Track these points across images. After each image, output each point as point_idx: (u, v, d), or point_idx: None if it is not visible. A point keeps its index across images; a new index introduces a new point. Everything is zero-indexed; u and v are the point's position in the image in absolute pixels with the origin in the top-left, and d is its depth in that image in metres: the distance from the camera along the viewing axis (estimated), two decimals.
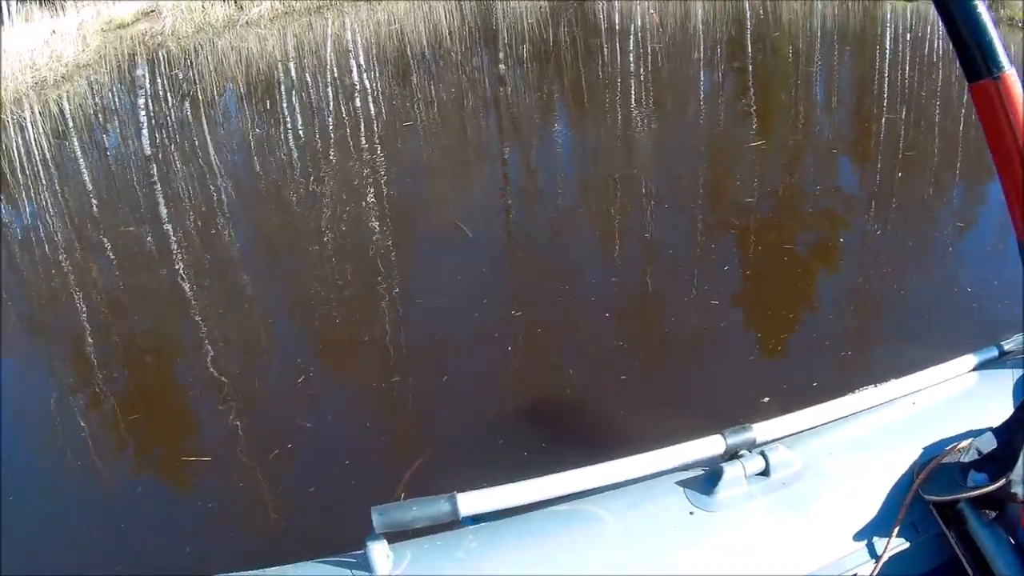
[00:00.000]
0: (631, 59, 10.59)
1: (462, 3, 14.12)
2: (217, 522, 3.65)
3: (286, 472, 3.86)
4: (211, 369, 4.86)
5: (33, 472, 4.19)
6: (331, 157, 8.02)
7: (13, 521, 3.62)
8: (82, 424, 4.54)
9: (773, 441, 1.69)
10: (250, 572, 1.54)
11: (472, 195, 6.99)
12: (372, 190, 6.98)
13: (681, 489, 1.66)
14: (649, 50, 10.92)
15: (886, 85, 8.78)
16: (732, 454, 1.66)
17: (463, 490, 1.50)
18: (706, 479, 1.66)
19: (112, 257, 6.89)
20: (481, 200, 6.83)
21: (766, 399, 3.71)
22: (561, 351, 4.48)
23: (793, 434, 1.73)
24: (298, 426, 4.14)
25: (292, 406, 4.36)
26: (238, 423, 4.29)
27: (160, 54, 15.29)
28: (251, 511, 3.64)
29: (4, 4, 18.63)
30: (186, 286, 5.97)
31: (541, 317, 4.81)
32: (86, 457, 4.22)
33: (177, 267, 6.27)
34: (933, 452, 1.68)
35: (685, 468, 1.68)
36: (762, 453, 1.66)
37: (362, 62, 11.83)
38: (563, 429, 3.80)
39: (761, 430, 1.67)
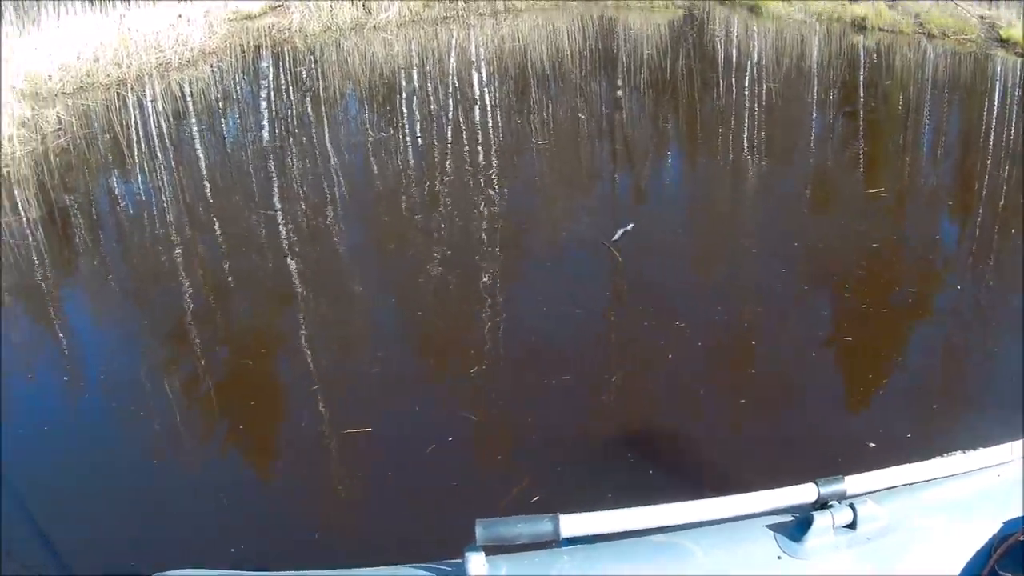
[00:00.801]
0: (745, 95, 10.57)
1: (585, 26, 14.02)
2: None
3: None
4: (304, 356, 4.99)
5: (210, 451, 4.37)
6: (447, 166, 7.99)
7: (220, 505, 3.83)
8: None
9: (862, 495, 1.71)
10: (347, 571, 1.72)
11: (579, 218, 6.90)
12: (483, 201, 6.98)
13: (771, 533, 1.71)
14: (763, 88, 10.88)
15: (999, 137, 8.68)
16: (823, 503, 1.68)
17: (561, 511, 1.54)
18: (796, 526, 1.71)
19: (220, 240, 7.03)
20: (585, 224, 6.73)
21: (872, 444, 3.81)
22: (659, 382, 4.62)
23: (881, 490, 1.75)
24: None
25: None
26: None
27: (286, 49, 15.48)
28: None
29: None
30: (295, 279, 6.08)
31: (636, 346, 4.95)
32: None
33: (286, 257, 6.38)
34: (1012, 528, 1.70)
35: (776, 512, 1.73)
36: (851, 505, 1.69)
37: (484, 75, 11.81)
38: (660, 459, 3.90)
39: (851, 482, 1.69)
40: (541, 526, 1.53)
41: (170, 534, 3.68)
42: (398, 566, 1.67)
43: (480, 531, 1.52)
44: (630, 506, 1.58)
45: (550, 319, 5.30)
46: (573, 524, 1.55)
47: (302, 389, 4.77)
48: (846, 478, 1.68)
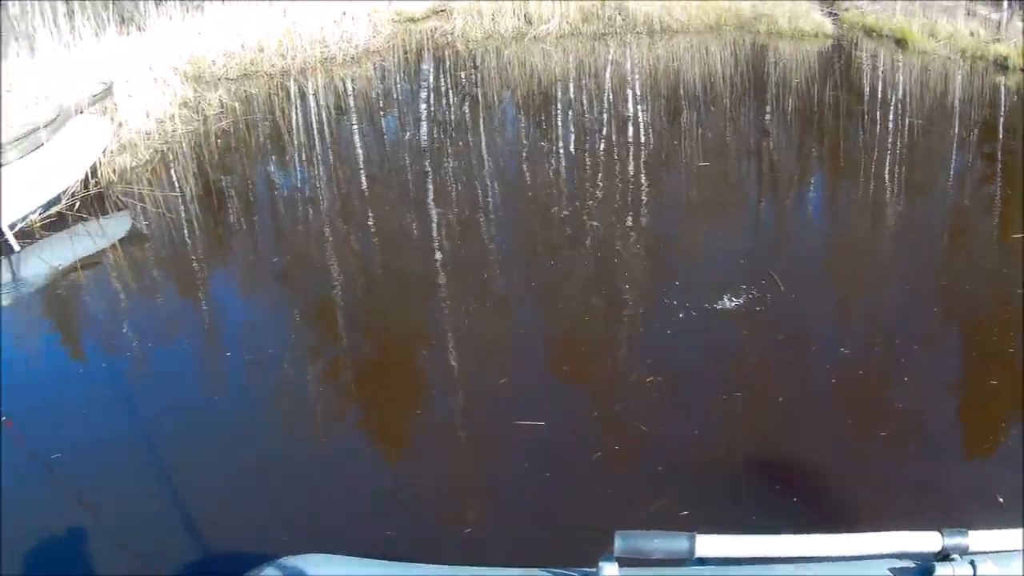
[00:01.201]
0: (889, 128, 10.27)
1: (737, 51, 13.85)
2: None
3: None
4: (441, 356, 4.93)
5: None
6: (597, 180, 7.84)
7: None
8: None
9: (984, 553, 1.67)
10: (481, 569, 1.88)
11: (722, 242, 6.59)
12: (632, 218, 6.87)
13: None
14: (906, 122, 10.43)
15: None
16: (945, 555, 1.67)
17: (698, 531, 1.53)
18: (917, 573, 1.74)
19: (371, 232, 7.03)
20: (726, 250, 6.38)
21: (1001, 499, 3.63)
22: (805, 409, 4.44)
23: (1003, 551, 1.69)
24: None
25: None
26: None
27: (447, 53, 15.52)
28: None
29: None
30: (440, 268, 6.07)
31: (770, 379, 4.73)
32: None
33: (434, 254, 6.36)
34: None
35: (899, 556, 1.75)
36: (972, 562, 1.68)
37: (637, 92, 11.61)
38: (801, 487, 3.80)
39: (975, 538, 1.65)
40: (677, 543, 1.56)
41: (316, 519, 3.64)
42: (533, 569, 1.77)
43: (619, 542, 1.55)
44: (764, 532, 1.57)
45: (713, 338, 5.08)
46: (709, 545, 1.56)
47: (471, 379, 4.69)
48: (970, 533, 1.65)
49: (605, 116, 10.55)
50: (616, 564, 1.58)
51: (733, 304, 5.22)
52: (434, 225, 6.94)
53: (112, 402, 4.70)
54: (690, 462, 3.90)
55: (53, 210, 7.82)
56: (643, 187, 7.50)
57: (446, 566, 1.90)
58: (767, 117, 10.13)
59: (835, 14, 15.30)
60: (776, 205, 7.54)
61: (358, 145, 10.01)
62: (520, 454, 3.97)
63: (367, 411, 4.53)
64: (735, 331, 5.10)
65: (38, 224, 7.63)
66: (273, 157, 9.90)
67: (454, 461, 4.02)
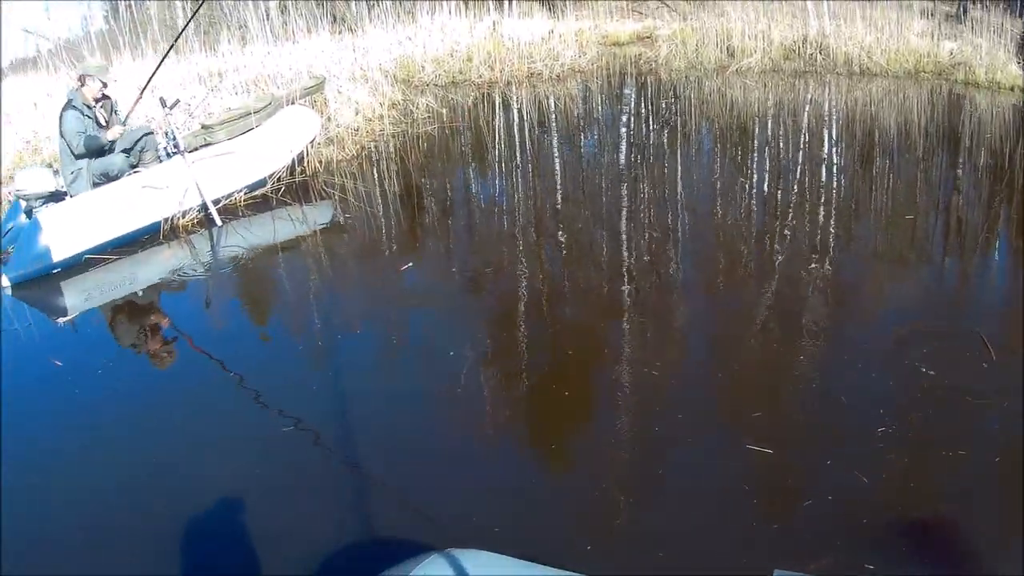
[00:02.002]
0: None
1: (934, 100, 13.16)
2: None
3: None
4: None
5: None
6: (787, 218, 7.42)
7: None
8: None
9: None
10: None
11: (915, 295, 6.03)
12: (816, 262, 6.31)
13: None
14: None
15: None
16: None
17: None
18: None
19: (561, 248, 6.88)
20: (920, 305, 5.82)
21: None
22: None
23: None
24: None
25: None
26: None
27: (649, 80, 15.33)
28: None
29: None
30: (623, 292, 5.89)
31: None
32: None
33: (621, 277, 6.18)
34: None
35: None
36: None
37: (833, 135, 11.05)
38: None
39: None
40: None
41: (479, 516, 3.53)
42: None
43: None
44: None
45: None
46: None
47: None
48: None
49: (800, 156, 10.09)
50: None
51: (928, 370, 4.57)
52: (623, 247, 6.74)
53: (282, 381, 4.70)
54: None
55: (258, 192, 7.91)
56: (831, 231, 7.10)
57: None
58: (958, 171, 9.40)
59: None
60: (959, 264, 6.88)
61: (556, 160, 9.83)
62: (735, 479, 3.72)
63: (543, 419, 4.39)
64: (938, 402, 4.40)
65: (242, 203, 7.75)
66: (473, 164, 9.81)
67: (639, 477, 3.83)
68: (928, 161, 9.83)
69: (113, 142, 7.02)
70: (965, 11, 18.16)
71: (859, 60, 14.98)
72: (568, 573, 1.93)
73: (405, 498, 3.62)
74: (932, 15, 16.81)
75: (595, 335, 5.22)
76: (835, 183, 8.66)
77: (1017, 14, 17.79)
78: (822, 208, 7.72)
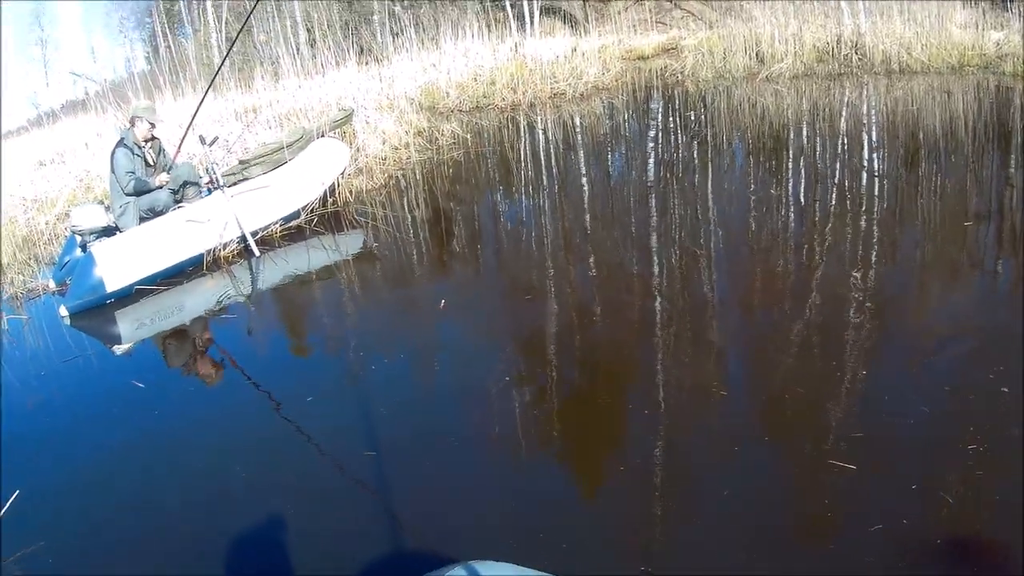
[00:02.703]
0: None
1: (981, 95, 12.81)
2: None
3: None
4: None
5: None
6: (825, 232, 7.29)
7: None
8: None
9: None
10: None
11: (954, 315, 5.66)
12: (857, 275, 6.17)
13: None
14: None
15: None
16: None
17: None
18: None
19: (591, 268, 6.98)
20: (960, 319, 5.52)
21: None
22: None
23: None
24: None
25: None
26: None
27: (676, 92, 15.50)
28: None
29: (527, 16, 20.31)
30: (657, 311, 5.87)
31: None
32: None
33: (652, 293, 6.24)
34: None
35: None
36: None
37: (873, 138, 10.89)
38: None
39: None
40: None
41: (507, 530, 3.69)
42: None
43: None
44: None
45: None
46: None
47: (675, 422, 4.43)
48: None
49: (838, 164, 10.01)
50: None
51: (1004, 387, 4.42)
52: (655, 266, 6.84)
53: (318, 403, 5.01)
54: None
55: (293, 223, 8.50)
56: (873, 243, 6.95)
57: None
58: (1011, 170, 9.03)
59: None
60: (1014, 269, 6.48)
61: (584, 180, 10.09)
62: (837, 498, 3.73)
63: (571, 435, 4.53)
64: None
65: (278, 234, 8.34)
66: (500, 188, 10.16)
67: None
68: (979, 160, 9.59)
69: (160, 187, 7.71)
70: None
71: (898, 57, 14.87)
72: None
73: (434, 513, 3.80)
74: (976, 3, 16.34)
75: (633, 354, 5.29)
76: (876, 190, 8.59)
77: None
78: (863, 219, 7.59)
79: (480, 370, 5.19)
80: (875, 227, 7.37)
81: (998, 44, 14.46)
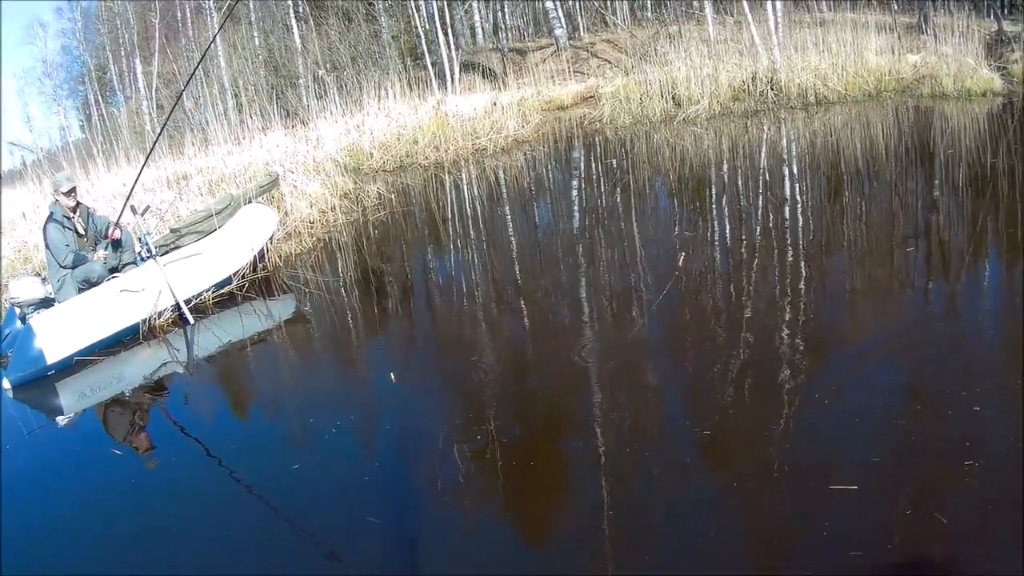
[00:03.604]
0: None
1: (900, 119, 13.42)
2: None
3: None
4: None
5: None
6: (753, 265, 7.52)
7: None
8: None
9: None
10: None
11: (888, 339, 5.86)
12: (788, 311, 6.33)
13: None
14: None
15: None
16: None
17: None
18: None
19: (524, 321, 7.14)
20: (891, 345, 5.72)
21: None
22: None
23: None
24: None
25: None
26: None
27: (596, 139, 15.91)
28: None
29: (448, 73, 20.69)
30: (591, 358, 6.00)
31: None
32: None
33: (584, 341, 6.34)
34: None
35: None
36: None
37: (795, 171, 11.30)
38: None
39: None
40: None
41: None
42: None
43: None
44: None
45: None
46: None
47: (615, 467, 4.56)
48: None
49: (760, 200, 10.28)
50: None
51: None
52: (586, 315, 6.99)
53: (264, 464, 5.24)
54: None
55: (225, 289, 8.78)
56: (801, 274, 7.18)
57: None
58: (935, 191, 9.39)
59: (1004, 68, 14.57)
60: (945, 289, 6.73)
61: (510, 234, 10.34)
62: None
63: (514, 489, 4.55)
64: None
65: (211, 301, 8.60)
66: (429, 245, 10.45)
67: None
68: (903, 184, 9.88)
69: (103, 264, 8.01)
70: (927, 19, 18.50)
71: (814, 89, 15.34)
72: None
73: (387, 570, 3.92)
74: (891, 29, 16.99)
75: (572, 402, 5.39)
76: (801, 222, 8.76)
77: (984, 15, 17.84)
78: (789, 252, 7.69)
79: (421, 427, 5.34)
80: (801, 258, 7.51)
81: (915, 66, 15.05)
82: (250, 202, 9.68)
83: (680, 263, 6.77)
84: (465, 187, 13.12)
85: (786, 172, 11.30)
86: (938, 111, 13.43)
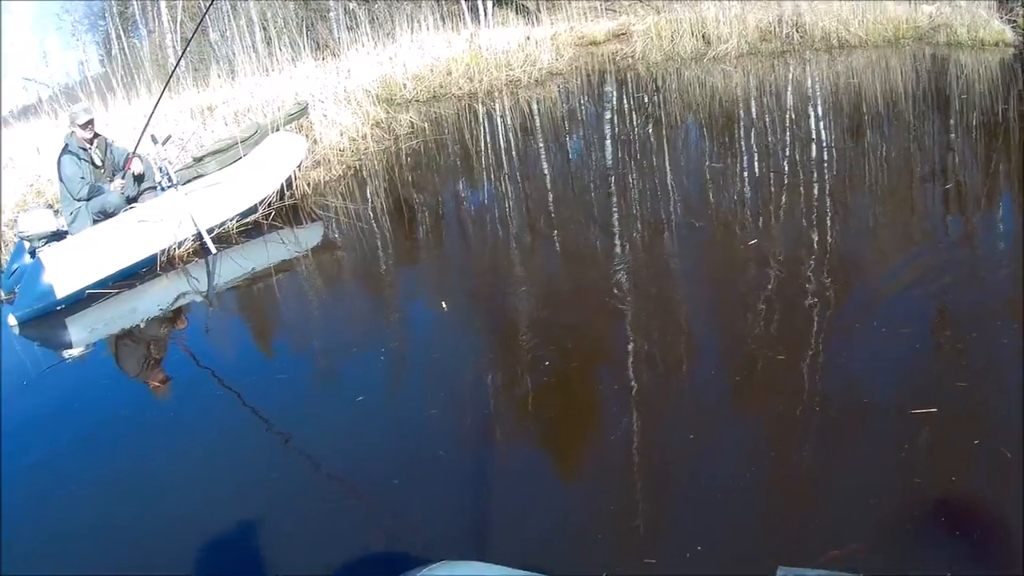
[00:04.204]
0: None
1: (918, 65, 12.87)
2: None
3: None
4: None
5: None
6: (781, 201, 7.15)
7: None
8: None
9: None
10: None
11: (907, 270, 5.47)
12: (815, 244, 5.96)
13: None
14: None
15: None
16: None
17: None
18: None
19: (555, 248, 6.78)
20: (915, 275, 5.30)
21: None
22: None
23: None
24: None
25: None
26: None
27: (628, 75, 15.26)
28: None
29: (481, 7, 19.94)
30: (623, 289, 5.58)
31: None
32: None
33: (616, 272, 5.91)
34: None
35: None
36: None
37: (819, 111, 10.77)
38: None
39: None
40: None
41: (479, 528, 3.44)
42: None
43: None
44: None
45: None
46: None
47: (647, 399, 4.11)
48: None
49: (787, 136, 9.86)
50: None
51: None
52: (617, 244, 6.55)
53: (285, 396, 4.71)
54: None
55: (250, 219, 8.00)
56: (827, 209, 6.85)
57: None
58: (951, 134, 9.08)
59: (1014, 21, 13.98)
60: (962, 226, 6.41)
61: (543, 164, 9.76)
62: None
63: (546, 422, 4.25)
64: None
65: (235, 230, 7.83)
66: (461, 175, 9.80)
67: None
68: (920, 127, 9.58)
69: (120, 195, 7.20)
70: None
71: (837, 34, 14.81)
72: None
73: (408, 512, 3.57)
74: None
75: (599, 336, 5.08)
76: (826, 158, 8.50)
77: None
78: (815, 186, 7.44)
79: (451, 358, 4.90)
80: (826, 193, 7.18)
81: (931, 16, 14.48)
82: (278, 130, 8.77)
83: (751, 243, 6.10)
84: (498, 117, 12.39)
85: (811, 111, 10.72)
86: (953, 59, 12.87)
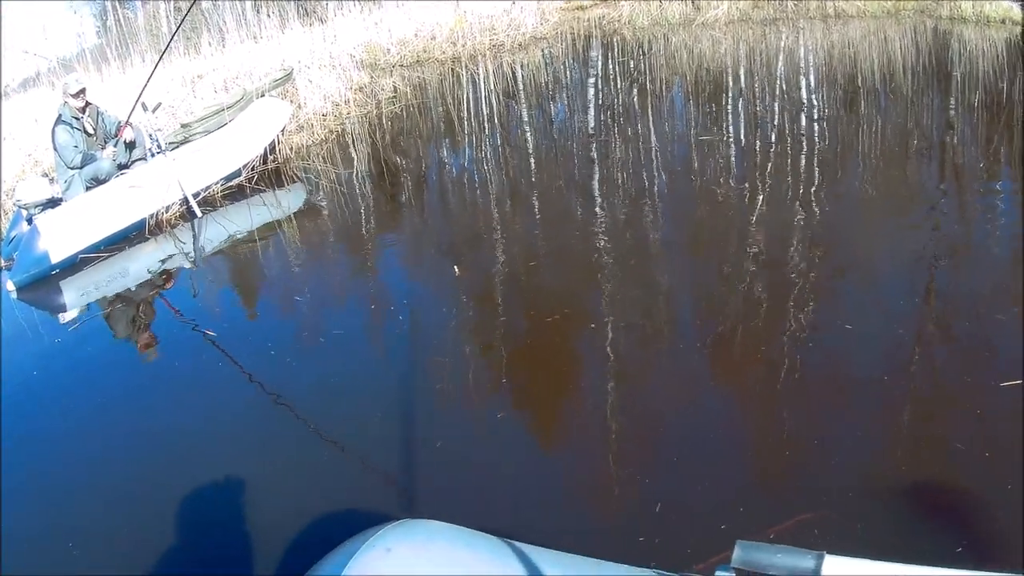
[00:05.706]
0: None
1: (918, 38, 12.52)
2: None
3: None
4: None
5: None
6: (767, 170, 7.10)
7: None
8: None
9: None
10: (593, 560, 1.85)
11: (899, 246, 5.43)
12: (802, 215, 5.99)
13: None
14: None
15: None
16: None
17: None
18: None
19: (536, 213, 6.79)
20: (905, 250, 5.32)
21: None
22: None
23: None
24: None
25: None
26: None
27: (614, 40, 15.13)
28: None
29: None
30: (604, 256, 5.59)
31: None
32: None
33: (597, 238, 5.94)
34: None
35: None
36: None
37: (812, 82, 10.62)
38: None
39: None
40: (803, 561, 1.42)
41: (449, 488, 3.48)
42: (646, 569, 1.78)
43: (738, 552, 1.46)
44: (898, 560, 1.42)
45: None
46: (838, 566, 1.41)
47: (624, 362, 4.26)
48: None
49: (777, 106, 9.74)
50: (733, 574, 1.48)
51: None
52: (598, 210, 6.61)
53: (270, 357, 4.81)
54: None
55: (234, 182, 8.19)
56: (814, 182, 6.75)
57: (560, 552, 1.87)
58: (951, 111, 8.85)
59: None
60: (957, 206, 6.35)
61: (526, 129, 9.80)
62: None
63: (522, 386, 4.28)
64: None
65: (220, 194, 8.02)
66: (444, 140, 9.88)
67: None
68: (919, 102, 9.38)
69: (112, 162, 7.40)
70: None
71: (834, 2, 14.51)
72: (525, 545, 1.84)
73: (384, 471, 3.63)
74: None
75: (578, 301, 5.06)
76: (816, 130, 8.39)
77: None
78: (803, 158, 7.34)
79: (430, 321, 4.96)
80: (815, 165, 7.09)
81: None
82: (263, 96, 8.94)
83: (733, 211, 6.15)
84: (481, 82, 12.40)
85: (802, 81, 10.63)
86: (956, 33, 12.61)
